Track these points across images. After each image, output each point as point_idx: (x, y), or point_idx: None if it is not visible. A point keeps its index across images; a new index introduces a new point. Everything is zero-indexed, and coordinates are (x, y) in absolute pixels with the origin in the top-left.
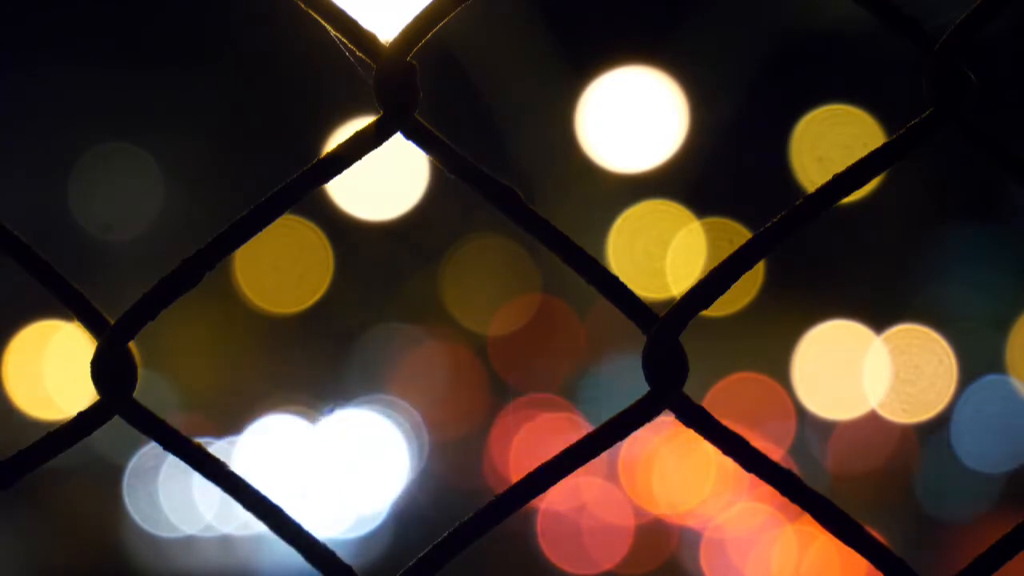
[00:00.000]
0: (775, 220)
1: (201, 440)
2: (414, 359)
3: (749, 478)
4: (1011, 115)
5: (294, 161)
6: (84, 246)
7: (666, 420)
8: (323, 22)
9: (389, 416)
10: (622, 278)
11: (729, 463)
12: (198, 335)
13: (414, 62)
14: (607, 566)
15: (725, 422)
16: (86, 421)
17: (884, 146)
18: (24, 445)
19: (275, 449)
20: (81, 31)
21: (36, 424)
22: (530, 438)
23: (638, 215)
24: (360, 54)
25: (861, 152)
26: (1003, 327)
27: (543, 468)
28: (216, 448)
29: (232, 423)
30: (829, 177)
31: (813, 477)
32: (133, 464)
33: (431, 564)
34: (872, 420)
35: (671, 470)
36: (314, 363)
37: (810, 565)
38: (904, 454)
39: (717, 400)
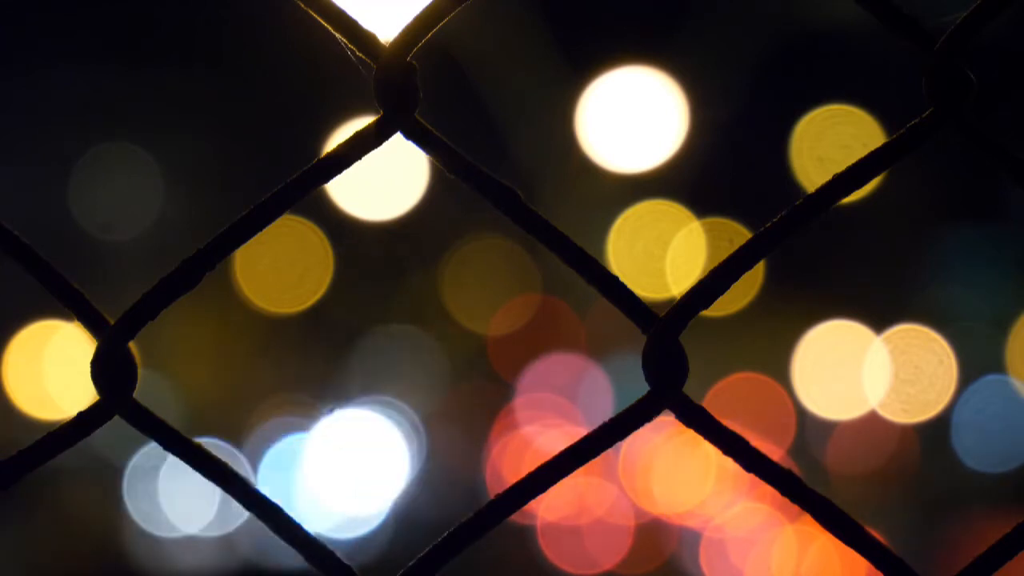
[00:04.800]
0: (775, 220)
1: (201, 440)
2: (414, 359)
3: (749, 478)
4: (1011, 115)
5: (294, 161)
6: (84, 246)
7: (666, 420)
8: (323, 22)
9: (389, 416)
10: (622, 278)
11: (729, 463)
12: (198, 335)
13: (414, 62)
14: (607, 566)
15: (725, 422)
16: (86, 421)
17: (884, 146)
18: (24, 445)
19: (276, 449)
20: (81, 31)
21: (36, 424)
22: (530, 438)
23: (638, 215)
24: (360, 54)
25: (861, 152)
26: (1003, 327)
27: (543, 468)
28: (216, 448)
29: (232, 423)
30: (829, 177)
31: (813, 477)
32: (133, 464)
33: (431, 564)
34: (872, 420)
35: (671, 470)
36: (314, 363)
37: (810, 565)
38: (904, 454)
39: (717, 400)
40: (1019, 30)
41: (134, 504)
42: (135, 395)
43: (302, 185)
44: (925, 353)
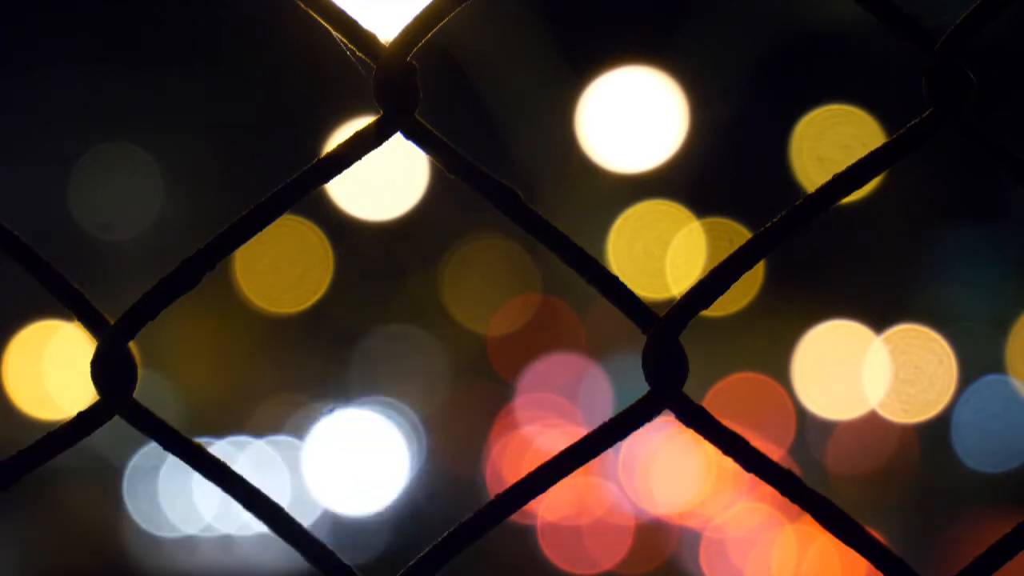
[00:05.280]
0: (775, 220)
1: (201, 440)
2: (414, 359)
3: (749, 478)
4: (1011, 115)
5: (294, 161)
6: (84, 246)
7: (666, 420)
8: (323, 22)
9: (389, 416)
10: (622, 278)
11: (729, 463)
12: (198, 335)
13: (414, 62)
14: (607, 566)
15: (725, 422)
16: (86, 421)
17: (884, 146)
18: (24, 445)
19: (276, 449)
20: (81, 31)
21: (36, 424)
22: (530, 438)
23: (638, 215)
24: (360, 54)
25: (861, 152)
26: (1003, 327)
27: (543, 468)
28: (216, 448)
29: (232, 423)
30: (829, 177)
31: (813, 477)
32: (133, 464)
33: (431, 564)
34: (872, 420)
35: (671, 470)
36: (314, 363)
37: (810, 565)
38: (904, 454)
39: (717, 400)
40: (1019, 30)
41: (134, 504)
42: (135, 395)
43: (302, 185)
44: (925, 353)
